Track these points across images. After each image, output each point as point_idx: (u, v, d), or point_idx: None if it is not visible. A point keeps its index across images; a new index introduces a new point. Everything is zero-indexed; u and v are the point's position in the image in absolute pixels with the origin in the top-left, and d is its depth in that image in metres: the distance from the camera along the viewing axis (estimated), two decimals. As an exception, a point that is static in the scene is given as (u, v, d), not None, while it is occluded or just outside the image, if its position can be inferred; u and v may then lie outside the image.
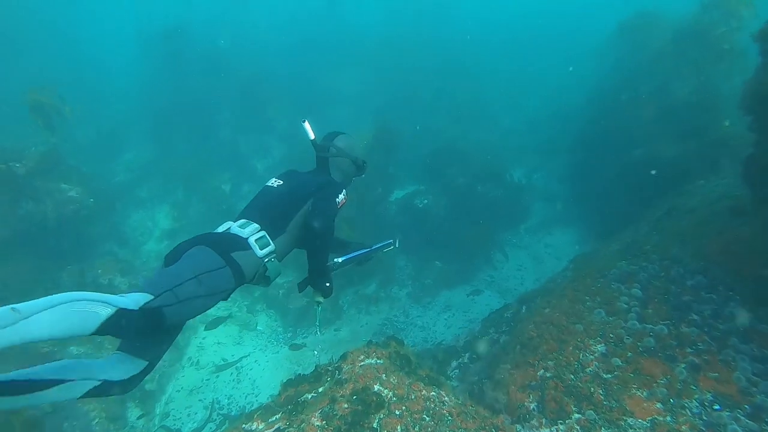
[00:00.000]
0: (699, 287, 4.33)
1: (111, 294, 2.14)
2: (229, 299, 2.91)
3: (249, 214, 3.01)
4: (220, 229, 2.95)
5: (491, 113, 16.37)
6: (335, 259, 3.29)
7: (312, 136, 3.37)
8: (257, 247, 2.79)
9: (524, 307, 5.64)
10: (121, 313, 2.03)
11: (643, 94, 8.50)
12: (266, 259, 2.82)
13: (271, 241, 2.86)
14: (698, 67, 7.75)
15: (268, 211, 2.99)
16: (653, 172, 8.38)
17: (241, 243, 2.76)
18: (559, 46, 18.50)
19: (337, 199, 3.15)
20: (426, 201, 10.27)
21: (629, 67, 9.52)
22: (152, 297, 2.22)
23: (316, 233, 2.89)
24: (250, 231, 2.83)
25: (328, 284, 3.05)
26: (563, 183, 11.68)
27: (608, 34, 11.34)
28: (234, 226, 2.88)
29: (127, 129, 14.25)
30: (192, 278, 2.42)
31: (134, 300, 2.15)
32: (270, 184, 3.23)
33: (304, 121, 3.32)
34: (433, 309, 8.88)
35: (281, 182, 3.21)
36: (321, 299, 3.08)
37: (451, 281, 9.35)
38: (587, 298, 4.43)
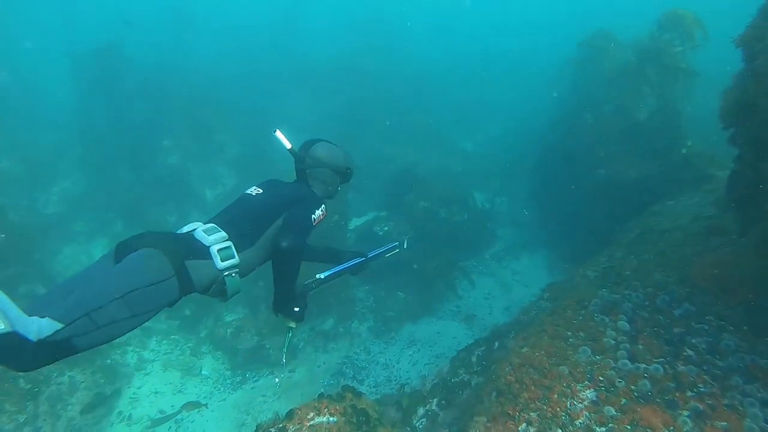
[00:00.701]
0: (688, 316, 3.90)
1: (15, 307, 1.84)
2: (171, 341, 2.25)
3: (220, 220, 2.78)
4: (185, 229, 2.71)
5: (451, 137, 16.15)
6: (318, 275, 3.09)
7: (288, 145, 3.19)
8: (218, 257, 2.54)
9: (497, 343, 5.09)
10: (13, 338, 1.77)
11: (606, 113, 8.31)
12: (226, 273, 2.57)
13: (236, 254, 2.61)
14: (657, 87, 7.61)
15: (240, 221, 2.77)
16: (602, 171, 8.15)
17: (201, 250, 2.53)
18: (517, 69, 18.61)
19: (312, 216, 2.90)
20: (386, 228, 9.73)
21: (589, 87, 9.41)
22: (62, 326, 1.90)
23: (283, 254, 2.64)
24: (215, 239, 2.58)
25: (297, 309, 2.83)
26: (528, 206, 11.39)
27: (567, 55, 11.28)
28: (199, 230, 2.63)
29: (59, 157, 13.11)
30: (118, 298, 2.08)
31: (38, 327, 1.85)
32: (248, 192, 3.03)
33: (275, 131, 3.14)
34: (396, 344, 8.23)
35: (260, 191, 3.01)
36: (292, 324, 2.87)
37: (415, 313, 8.75)
38: (569, 333, 3.91)
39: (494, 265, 9.85)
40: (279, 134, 3.14)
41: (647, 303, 4.16)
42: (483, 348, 5.42)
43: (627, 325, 3.87)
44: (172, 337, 8.72)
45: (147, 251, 2.32)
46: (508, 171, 13.10)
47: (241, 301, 9.38)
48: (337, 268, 3.26)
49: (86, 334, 1.97)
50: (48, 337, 1.86)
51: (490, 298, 8.92)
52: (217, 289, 2.59)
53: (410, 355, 7.92)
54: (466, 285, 9.30)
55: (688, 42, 7.22)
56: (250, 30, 21.18)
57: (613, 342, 3.71)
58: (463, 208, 10.56)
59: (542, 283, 9.02)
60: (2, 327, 1.75)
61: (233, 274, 2.60)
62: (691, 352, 3.53)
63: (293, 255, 2.67)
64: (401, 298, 9.09)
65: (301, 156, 3.24)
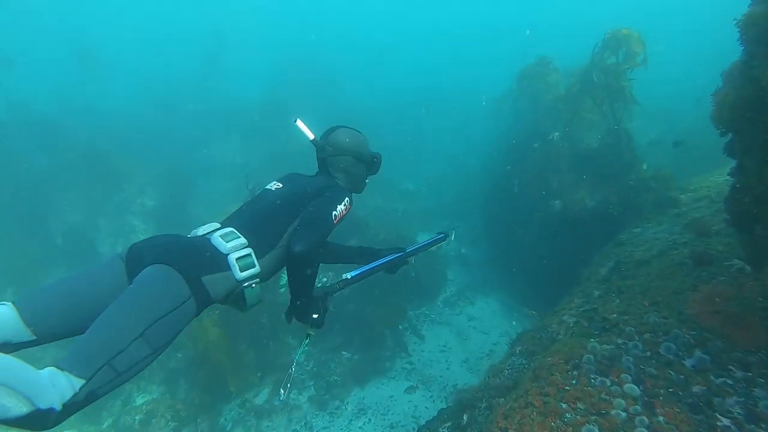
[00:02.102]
0: (704, 369, 3.07)
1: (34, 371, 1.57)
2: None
3: (238, 221, 2.53)
4: (200, 230, 2.44)
5: (390, 178, 15.44)
6: (345, 275, 2.84)
7: (311, 136, 3.00)
8: (237, 268, 2.29)
9: (466, 417, 4.05)
10: (36, 415, 1.52)
11: (554, 142, 7.80)
12: (246, 284, 2.32)
13: (256, 262, 2.36)
14: (604, 110, 7.19)
15: (259, 222, 2.53)
16: (557, 202, 7.61)
17: (218, 261, 2.26)
18: (454, 105, 18.39)
19: (333, 211, 2.62)
20: (325, 279, 8.61)
21: (534, 117, 8.97)
22: (83, 382, 1.66)
23: (296, 259, 2.33)
24: (234, 246, 2.32)
25: (315, 315, 2.55)
26: (477, 246, 10.66)
27: (507, 86, 10.94)
28: (216, 235, 2.35)
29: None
30: (138, 337, 1.83)
31: (60, 392, 1.60)
32: (269, 188, 2.81)
33: (296, 121, 2.93)
34: (343, 415, 6.98)
35: (280, 186, 2.80)
36: (311, 332, 2.63)
37: (363, 374, 7.57)
38: (564, 405, 2.95)
39: (447, 312, 8.89)
40: (300, 124, 2.92)
41: (650, 354, 3.30)
42: (449, 425, 4.35)
43: (635, 388, 2.97)
44: None
45: (160, 271, 2.05)
46: (452, 210, 12.45)
47: (156, 376, 7.87)
48: (369, 266, 2.98)
49: (108, 383, 1.77)
50: (71, 399, 1.64)
51: (446, 350, 7.90)
52: (234, 299, 2.34)
53: (360, 428, 6.70)
54: (418, 337, 8.26)
55: (632, 62, 6.84)
56: (167, 70, 20.02)
57: (624, 414, 2.78)
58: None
59: (501, 328, 8.21)
60: (23, 409, 1.50)
61: (253, 285, 2.35)
62: (726, 421, 2.66)
63: (306, 260, 2.34)
64: (346, 358, 7.90)
65: (321, 144, 3.03)
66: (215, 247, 2.30)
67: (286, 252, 2.37)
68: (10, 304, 1.93)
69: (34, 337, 1.93)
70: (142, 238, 8.45)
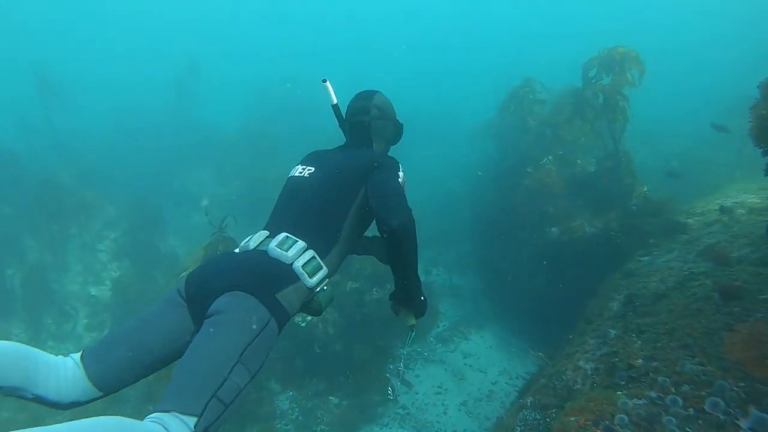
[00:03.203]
0: (765, 430, 2.58)
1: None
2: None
3: (287, 223, 2.26)
4: (251, 245, 2.19)
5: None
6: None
7: (334, 100, 2.70)
8: (306, 275, 2.08)
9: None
10: None
11: (548, 166, 7.43)
12: (318, 289, 2.14)
13: (322, 263, 2.16)
14: (601, 132, 6.86)
15: (312, 218, 2.26)
16: (553, 229, 7.18)
17: (285, 274, 2.05)
18: (437, 131, 18.10)
19: (398, 179, 2.37)
20: (309, 318, 8.00)
21: (524, 142, 8.61)
22: (195, 419, 1.59)
23: (400, 233, 2.10)
24: (296, 253, 2.11)
25: (424, 297, 2.41)
26: (467, 274, 10.16)
27: (493, 111, 10.63)
28: (272, 246, 2.12)
29: None
30: (236, 363, 1.74)
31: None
32: (297, 174, 2.51)
33: (325, 81, 2.65)
34: (331, 471, 6.31)
35: (312, 169, 2.47)
36: (414, 321, 2.45)
37: (353, 423, 6.92)
38: (603, 487, 2.41)
39: (441, 350, 8.30)
40: (328, 84, 2.65)
41: (693, 412, 2.80)
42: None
43: (688, 460, 2.46)
44: None
45: (235, 297, 1.88)
46: (440, 239, 11.99)
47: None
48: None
49: (219, 416, 1.66)
50: None
51: (441, 392, 7.30)
52: (309, 307, 2.17)
53: (351, 486, 6.03)
54: (411, 378, 7.65)
55: (627, 82, 6.54)
56: (137, 100, 19.48)
57: (682, 499, 2.25)
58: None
59: (499, 365, 7.70)
60: None
61: (324, 287, 2.19)
62: (809, 505, 2.15)
63: (408, 231, 2.13)
64: (333, 404, 7.24)
65: (363, 107, 2.72)
66: (276, 259, 2.10)
67: (385, 234, 2.14)
68: (78, 361, 1.85)
69: (101, 394, 1.86)
70: (116, 274, 7.60)
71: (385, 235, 2.15)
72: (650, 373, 3.23)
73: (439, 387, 7.39)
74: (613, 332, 4.18)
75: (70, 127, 16.47)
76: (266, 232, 2.26)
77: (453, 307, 9.50)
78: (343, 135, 2.84)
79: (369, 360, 7.51)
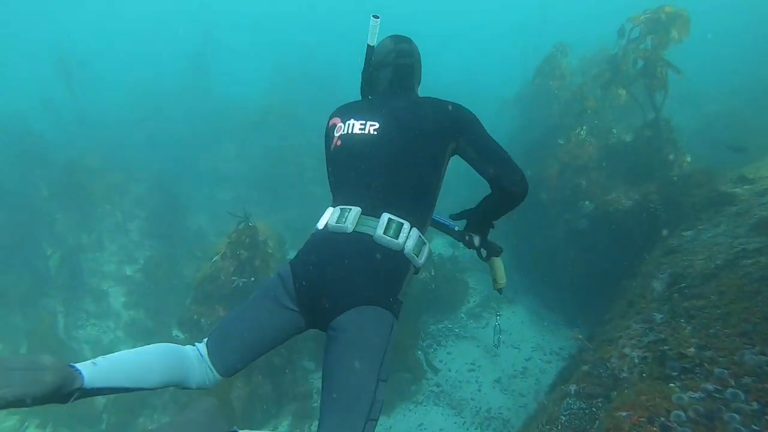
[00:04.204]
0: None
1: None
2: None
3: (371, 193, 2.09)
4: (348, 225, 2.02)
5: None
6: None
7: (372, 42, 2.38)
8: (416, 257, 2.05)
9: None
10: None
11: (581, 137, 7.12)
12: (422, 263, 2.11)
13: (424, 237, 2.12)
14: (639, 99, 6.50)
15: (401, 183, 2.11)
16: (587, 202, 6.95)
17: (401, 265, 2.01)
18: (465, 100, 17.68)
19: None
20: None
21: (555, 111, 8.26)
22: None
23: (520, 199, 2.24)
24: (404, 237, 2.01)
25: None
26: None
27: (520, 83, 10.23)
28: (379, 233, 1.99)
29: None
30: (378, 381, 1.79)
31: None
32: (357, 132, 2.22)
33: (377, 17, 2.30)
34: (368, 449, 6.38)
35: (375, 124, 2.21)
36: (504, 279, 2.54)
37: (388, 401, 6.92)
38: (663, 491, 2.32)
39: (473, 326, 8.25)
40: (377, 23, 2.32)
41: (758, 407, 2.66)
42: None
43: (755, 464, 2.33)
44: None
45: (367, 314, 1.86)
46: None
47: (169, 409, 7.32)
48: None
49: None
50: None
51: (475, 368, 7.27)
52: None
53: (388, 463, 6.12)
54: (444, 354, 7.65)
55: (672, 43, 6.13)
56: (156, 76, 19.40)
57: (751, 508, 2.14)
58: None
59: (532, 341, 7.62)
60: None
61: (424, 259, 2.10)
62: None
63: (526, 194, 2.22)
64: (367, 382, 7.30)
65: (408, 49, 2.51)
66: (387, 248, 2.00)
67: (506, 197, 2.22)
68: (206, 354, 1.96)
69: (221, 379, 1.99)
70: (149, 253, 7.67)
71: (508, 193, 2.20)
72: (705, 364, 3.08)
73: (472, 364, 7.36)
74: (659, 316, 4.01)
75: (93, 106, 16.61)
76: (358, 209, 2.08)
77: (483, 281, 9.40)
78: (365, 81, 2.60)
79: (400, 338, 7.51)
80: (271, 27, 35.05)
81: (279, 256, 7.69)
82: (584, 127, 7.34)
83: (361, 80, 2.56)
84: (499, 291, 2.51)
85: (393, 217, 2.05)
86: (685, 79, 6.72)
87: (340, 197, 2.19)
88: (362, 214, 2.07)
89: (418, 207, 2.14)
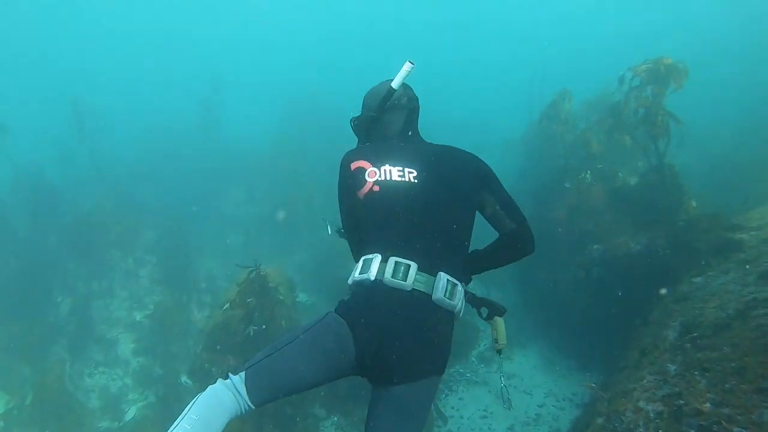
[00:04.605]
0: None
1: None
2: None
3: (416, 246, 2.09)
4: (408, 284, 1.99)
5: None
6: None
7: (396, 83, 2.38)
8: (458, 313, 2.12)
9: None
10: None
11: (587, 181, 7.24)
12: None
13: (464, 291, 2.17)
14: (643, 144, 6.65)
15: (445, 237, 2.14)
16: (596, 246, 6.95)
17: (451, 323, 2.09)
18: (467, 142, 17.96)
19: None
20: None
21: (561, 154, 8.42)
22: None
23: (530, 253, 2.40)
24: (459, 297, 2.08)
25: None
26: (505, 288, 9.98)
27: (525, 124, 10.47)
28: (439, 295, 2.00)
29: None
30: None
31: None
32: (396, 179, 2.20)
33: (412, 63, 2.32)
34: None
35: (413, 171, 2.21)
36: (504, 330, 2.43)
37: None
38: None
39: (483, 370, 8.18)
40: (410, 68, 2.34)
41: (777, 471, 2.65)
42: None
43: None
44: None
45: (426, 384, 1.95)
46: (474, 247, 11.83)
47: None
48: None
49: None
50: None
51: (487, 416, 7.17)
52: None
53: None
54: (456, 400, 7.56)
55: (667, 93, 6.32)
56: (166, 120, 19.87)
57: None
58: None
59: (545, 387, 7.54)
60: None
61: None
62: None
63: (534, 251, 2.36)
64: None
65: (413, 94, 2.54)
66: (444, 309, 2.05)
67: (518, 252, 2.38)
68: (244, 391, 1.89)
69: (253, 408, 1.93)
70: (158, 298, 7.67)
71: (524, 249, 2.36)
72: (723, 422, 3.08)
73: (484, 411, 7.27)
74: (672, 368, 4.01)
75: (105, 152, 17.01)
76: (415, 265, 2.05)
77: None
78: (370, 123, 2.56)
79: (411, 384, 7.45)
80: (280, 70, 36.07)
81: (290, 303, 7.72)
82: (589, 171, 7.46)
83: (362, 122, 2.55)
84: (499, 352, 2.46)
85: (449, 277, 2.07)
86: (688, 119, 6.88)
87: (382, 246, 2.12)
88: (418, 270, 2.05)
89: (461, 263, 2.19)
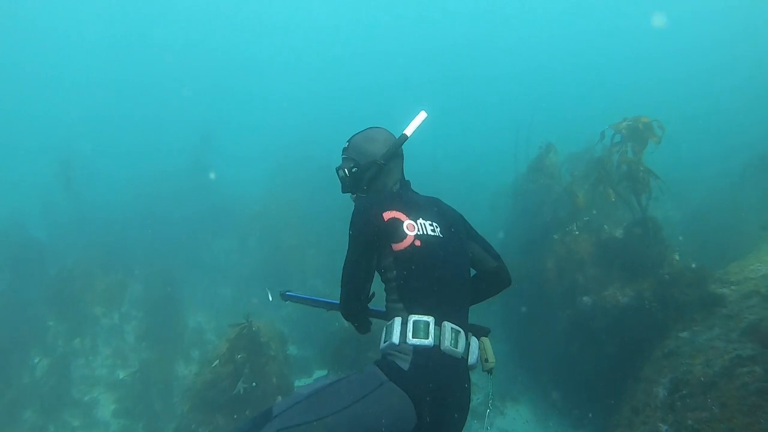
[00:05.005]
0: None
1: None
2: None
3: (452, 306, 2.11)
4: (459, 351, 2.03)
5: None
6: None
7: (407, 132, 2.46)
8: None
9: None
10: None
11: (574, 233, 7.42)
12: None
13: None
14: (628, 200, 6.88)
15: (464, 294, 2.21)
16: (586, 298, 7.03)
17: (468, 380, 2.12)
18: (455, 192, 18.29)
19: None
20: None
21: (548, 207, 8.64)
22: None
23: (508, 286, 2.53)
24: (477, 354, 2.19)
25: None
26: (499, 342, 9.95)
27: (512, 176, 10.76)
28: (472, 359, 2.13)
29: None
30: None
31: None
32: (430, 233, 2.18)
33: (426, 116, 2.47)
34: None
35: (437, 226, 2.23)
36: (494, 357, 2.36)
37: None
38: None
39: (476, 426, 8.04)
40: (422, 119, 2.47)
41: None
42: None
43: None
44: None
45: None
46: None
47: None
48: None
49: None
50: None
51: (481, 473, 7.03)
52: None
53: None
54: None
55: (643, 150, 6.64)
56: (155, 170, 19.94)
57: None
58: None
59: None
60: None
61: None
62: None
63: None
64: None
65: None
66: (470, 367, 2.17)
67: (498, 286, 2.51)
68: None
69: None
70: (144, 355, 7.45)
71: (503, 282, 2.49)
72: (715, 488, 3.10)
73: (477, 468, 7.12)
74: (664, 428, 4.04)
75: (93, 203, 16.98)
76: (462, 331, 2.10)
77: (484, 376, 9.25)
78: (381, 173, 2.47)
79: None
80: (272, 118, 36.79)
81: (281, 358, 7.63)
82: (576, 223, 7.66)
83: (368, 169, 2.42)
84: (489, 372, 2.42)
85: (473, 342, 2.19)
86: (667, 172, 7.16)
87: (429, 307, 2.07)
88: (462, 334, 2.10)
89: (467, 311, 2.25)
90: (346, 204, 2.56)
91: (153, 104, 42.61)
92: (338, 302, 2.41)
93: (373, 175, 2.41)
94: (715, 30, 40.96)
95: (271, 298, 2.95)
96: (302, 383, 9.45)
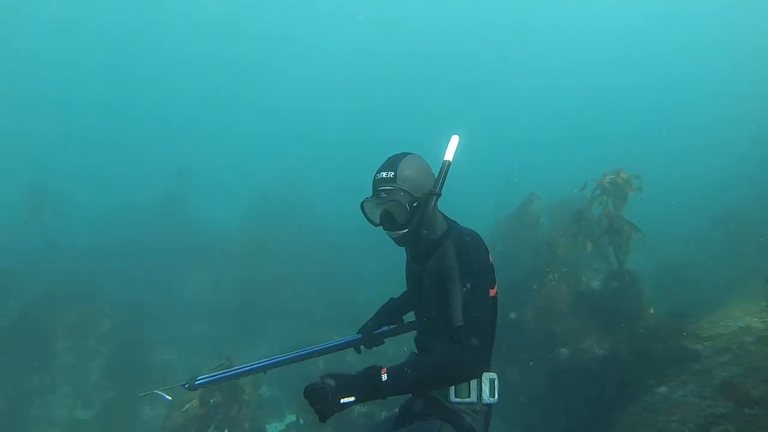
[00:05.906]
0: None
1: None
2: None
3: None
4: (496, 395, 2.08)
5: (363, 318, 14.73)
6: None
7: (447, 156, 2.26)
8: None
9: None
10: None
11: (553, 284, 7.57)
12: None
13: None
14: (605, 250, 7.11)
15: None
16: (563, 350, 7.10)
17: None
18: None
19: None
20: None
21: (527, 257, 8.82)
22: None
23: None
24: None
25: None
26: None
27: (492, 225, 10.97)
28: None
29: None
30: None
31: None
32: None
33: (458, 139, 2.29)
34: None
35: None
36: None
37: None
38: None
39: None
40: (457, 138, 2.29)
41: None
42: None
43: None
44: None
45: None
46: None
47: None
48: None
49: None
50: None
51: None
52: None
53: None
54: None
55: (625, 203, 6.93)
56: (128, 207, 19.57)
57: None
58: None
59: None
60: None
61: None
62: None
63: None
64: None
65: None
66: None
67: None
68: None
69: None
70: (108, 394, 7.14)
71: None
72: None
73: None
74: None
75: (60, 231, 16.50)
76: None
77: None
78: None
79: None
80: (249, 158, 36.84)
81: (254, 403, 7.41)
82: (555, 274, 7.83)
83: (431, 203, 2.16)
84: None
85: None
86: (643, 225, 7.46)
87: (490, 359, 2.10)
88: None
89: None
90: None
91: (130, 132, 42.25)
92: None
93: (433, 208, 2.17)
94: (691, 88, 43.21)
95: (167, 399, 2.68)
96: (273, 428, 9.19)
